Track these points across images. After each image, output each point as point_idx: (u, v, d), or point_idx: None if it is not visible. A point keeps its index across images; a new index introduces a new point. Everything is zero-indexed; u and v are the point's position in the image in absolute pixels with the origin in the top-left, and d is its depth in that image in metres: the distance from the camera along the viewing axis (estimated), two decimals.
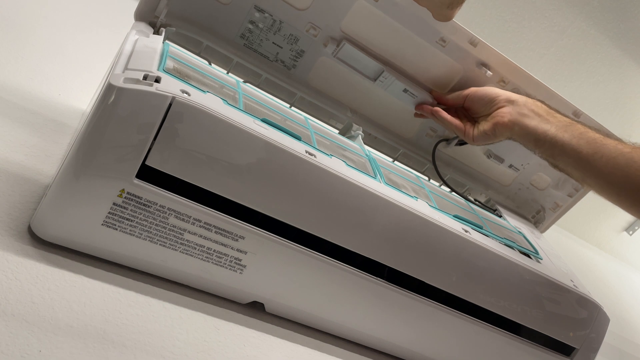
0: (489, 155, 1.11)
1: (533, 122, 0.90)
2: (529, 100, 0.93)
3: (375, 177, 0.80)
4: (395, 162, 1.08)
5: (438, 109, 1.00)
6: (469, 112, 1.01)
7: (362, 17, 0.93)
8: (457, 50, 0.97)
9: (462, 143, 1.08)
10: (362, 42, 0.95)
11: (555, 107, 0.92)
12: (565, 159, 0.86)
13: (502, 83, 1.01)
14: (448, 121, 0.99)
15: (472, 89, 0.99)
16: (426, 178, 1.08)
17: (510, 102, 0.94)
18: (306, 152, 0.71)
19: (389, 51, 0.97)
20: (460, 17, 0.89)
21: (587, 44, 2.12)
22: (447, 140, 1.08)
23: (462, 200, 1.01)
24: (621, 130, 2.11)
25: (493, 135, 0.95)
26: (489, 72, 0.99)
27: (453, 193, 1.04)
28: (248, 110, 0.74)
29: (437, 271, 0.80)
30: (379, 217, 0.75)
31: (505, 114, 0.93)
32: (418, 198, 0.84)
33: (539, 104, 0.93)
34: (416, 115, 1.04)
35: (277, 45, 0.94)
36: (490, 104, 0.96)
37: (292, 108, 0.99)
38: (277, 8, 0.91)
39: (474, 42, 0.97)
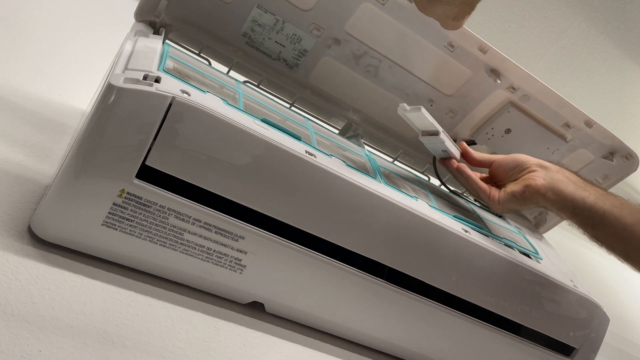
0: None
1: (570, 188, 0.84)
2: (562, 168, 0.88)
3: (375, 177, 0.80)
4: (395, 162, 1.08)
5: (464, 165, 0.94)
6: (495, 178, 0.95)
7: (367, 19, 0.92)
8: (465, 56, 0.97)
9: (470, 143, 1.07)
10: (367, 43, 0.95)
11: (567, 115, 0.89)
12: (606, 229, 0.81)
13: (512, 89, 1.01)
14: (473, 180, 0.93)
15: (500, 156, 0.94)
16: (426, 178, 1.08)
17: (543, 167, 0.88)
18: (306, 152, 0.71)
19: (393, 52, 0.97)
20: None
21: (587, 44, 2.12)
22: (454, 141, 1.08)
23: (462, 200, 1.01)
24: (621, 130, 2.11)
25: (522, 199, 0.88)
26: (498, 80, 0.99)
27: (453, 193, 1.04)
28: (248, 110, 0.74)
29: (437, 271, 0.80)
30: (379, 217, 0.75)
31: (538, 177, 0.87)
32: (418, 198, 0.84)
33: (572, 173, 0.88)
34: (440, 162, 0.97)
35: (280, 44, 0.94)
36: (519, 168, 0.90)
37: (292, 108, 0.99)
38: (281, 8, 0.91)
39: (483, 49, 0.95)
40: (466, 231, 0.82)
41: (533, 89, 1.01)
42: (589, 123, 1.05)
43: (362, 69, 0.98)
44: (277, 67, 0.97)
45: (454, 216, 0.86)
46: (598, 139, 1.08)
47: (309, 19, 0.92)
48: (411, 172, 1.00)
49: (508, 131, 1.06)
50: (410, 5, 0.90)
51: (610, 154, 1.10)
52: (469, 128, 1.08)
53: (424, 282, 0.79)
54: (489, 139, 1.08)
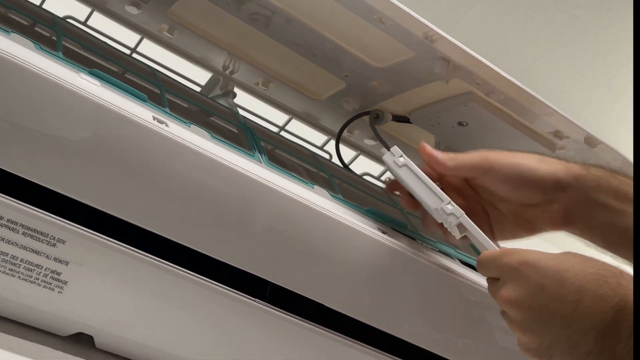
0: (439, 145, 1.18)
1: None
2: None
3: (253, 155, 0.83)
4: (283, 132, 1.12)
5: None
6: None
7: None
8: (406, 36, 0.99)
9: (400, 120, 1.14)
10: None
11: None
12: None
13: (475, 84, 1.05)
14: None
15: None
16: (327, 156, 1.12)
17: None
18: (154, 118, 0.73)
19: (297, 8, 0.98)
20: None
21: None
22: (377, 116, 1.13)
23: (378, 187, 1.06)
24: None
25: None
26: (448, 69, 1.02)
27: (367, 178, 1.09)
28: (70, 58, 0.76)
29: (343, 290, 0.83)
30: (258, 210, 0.78)
31: None
32: (315, 184, 0.87)
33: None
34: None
35: None
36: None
37: (136, 55, 1.01)
38: None
39: (430, 37, 0.98)
40: (384, 232, 0.86)
41: (502, 87, 1.05)
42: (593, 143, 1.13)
43: (246, 16, 1.00)
44: None
45: (366, 210, 0.89)
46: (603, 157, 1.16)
47: None
48: (306, 148, 1.04)
49: (463, 124, 1.13)
50: None
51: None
52: (405, 105, 1.13)
53: (324, 305, 0.82)
54: (432, 125, 1.14)
